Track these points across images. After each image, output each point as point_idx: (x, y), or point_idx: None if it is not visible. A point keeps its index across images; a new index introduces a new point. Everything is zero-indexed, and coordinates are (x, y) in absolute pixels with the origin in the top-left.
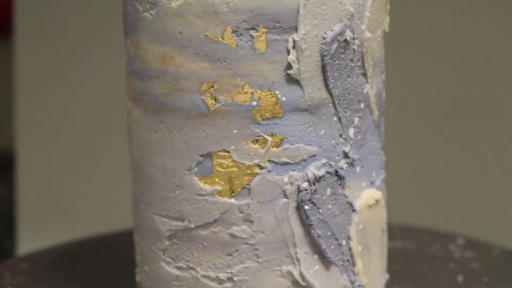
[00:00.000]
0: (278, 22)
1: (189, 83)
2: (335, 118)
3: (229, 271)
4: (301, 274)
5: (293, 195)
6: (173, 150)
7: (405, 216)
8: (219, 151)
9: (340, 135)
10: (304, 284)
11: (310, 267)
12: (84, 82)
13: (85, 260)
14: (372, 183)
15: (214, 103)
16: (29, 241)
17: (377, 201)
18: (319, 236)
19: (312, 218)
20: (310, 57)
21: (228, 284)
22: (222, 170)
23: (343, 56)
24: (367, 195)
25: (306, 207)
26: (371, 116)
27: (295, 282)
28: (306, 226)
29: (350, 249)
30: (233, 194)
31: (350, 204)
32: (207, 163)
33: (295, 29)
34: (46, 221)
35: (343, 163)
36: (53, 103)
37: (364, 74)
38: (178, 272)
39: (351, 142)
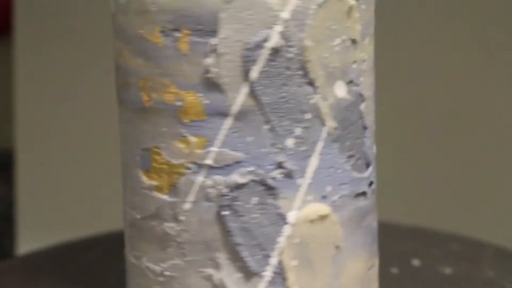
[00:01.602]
0: (200, 25)
1: (133, 79)
2: (266, 126)
3: (162, 265)
4: (221, 280)
5: (216, 199)
6: (127, 142)
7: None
8: (154, 147)
9: (273, 144)
10: None
11: (231, 274)
12: (84, 82)
13: (85, 260)
14: (324, 197)
15: (148, 99)
16: (29, 241)
17: (322, 216)
18: (239, 244)
19: (232, 225)
20: (231, 62)
21: (162, 278)
22: (157, 166)
23: (274, 63)
24: (309, 210)
25: (226, 213)
26: (323, 128)
27: (216, 286)
28: (226, 232)
29: (280, 261)
30: (166, 191)
31: (281, 216)
32: (147, 158)
33: (216, 32)
34: (46, 221)
35: (276, 173)
36: (53, 103)
37: (311, 84)
38: (134, 261)
39: (290, 152)
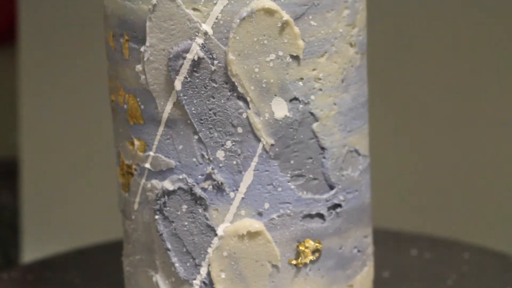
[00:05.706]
0: (135, 32)
1: (108, 81)
2: (196, 137)
3: (126, 260)
4: (157, 283)
5: (152, 202)
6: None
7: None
8: (118, 146)
9: (203, 155)
10: None
11: (167, 278)
12: (89, 90)
13: (90, 267)
14: (260, 214)
15: (112, 100)
16: (34, 249)
17: (252, 233)
18: (169, 249)
19: (163, 230)
20: (158, 70)
21: (126, 273)
22: (121, 165)
23: (197, 75)
24: (239, 224)
25: (157, 217)
26: (259, 144)
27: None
28: (159, 236)
29: (209, 273)
30: (126, 189)
31: (211, 227)
32: (117, 156)
33: (145, 40)
34: (51, 229)
35: (206, 184)
36: (58, 111)
37: (241, 98)
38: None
39: (220, 165)
